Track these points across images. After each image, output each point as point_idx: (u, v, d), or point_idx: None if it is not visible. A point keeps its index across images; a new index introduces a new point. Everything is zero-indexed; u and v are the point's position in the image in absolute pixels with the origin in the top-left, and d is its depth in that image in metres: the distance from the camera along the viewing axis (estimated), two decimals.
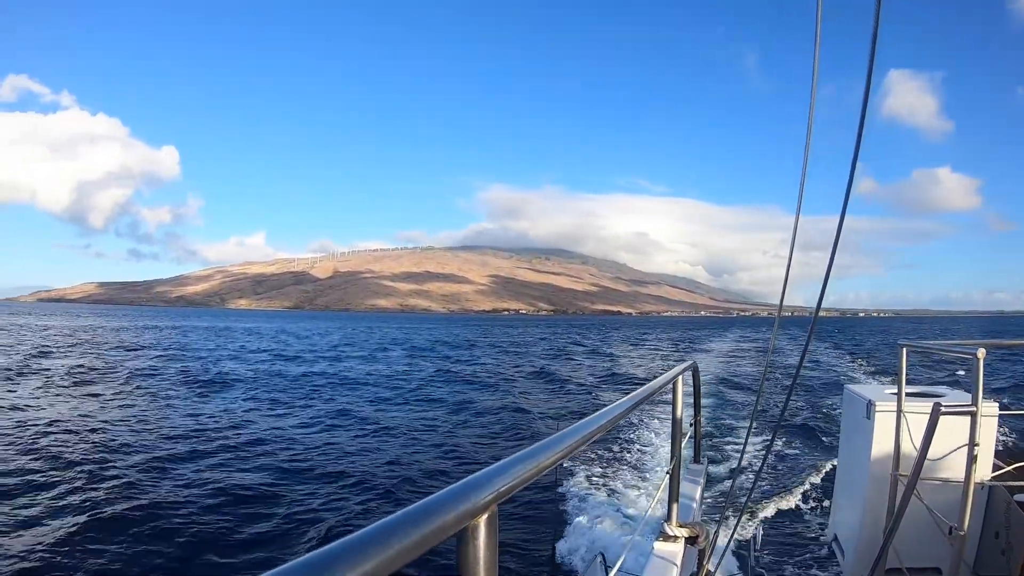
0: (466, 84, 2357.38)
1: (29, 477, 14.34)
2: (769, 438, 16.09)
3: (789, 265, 4.03)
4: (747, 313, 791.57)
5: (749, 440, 13.63)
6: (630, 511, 11.91)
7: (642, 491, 13.10)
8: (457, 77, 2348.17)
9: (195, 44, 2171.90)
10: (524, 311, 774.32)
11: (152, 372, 35.24)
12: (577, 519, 11.59)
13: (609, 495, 12.81)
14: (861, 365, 39.69)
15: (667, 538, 4.72)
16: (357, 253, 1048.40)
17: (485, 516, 1.47)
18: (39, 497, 13.11)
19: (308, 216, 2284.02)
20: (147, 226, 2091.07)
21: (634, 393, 3.26)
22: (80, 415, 22.01)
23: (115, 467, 15.07)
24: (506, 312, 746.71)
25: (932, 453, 5.17)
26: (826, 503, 11.81)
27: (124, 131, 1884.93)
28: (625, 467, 14.93)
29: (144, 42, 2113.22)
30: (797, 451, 16.59)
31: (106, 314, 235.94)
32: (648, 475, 14.25)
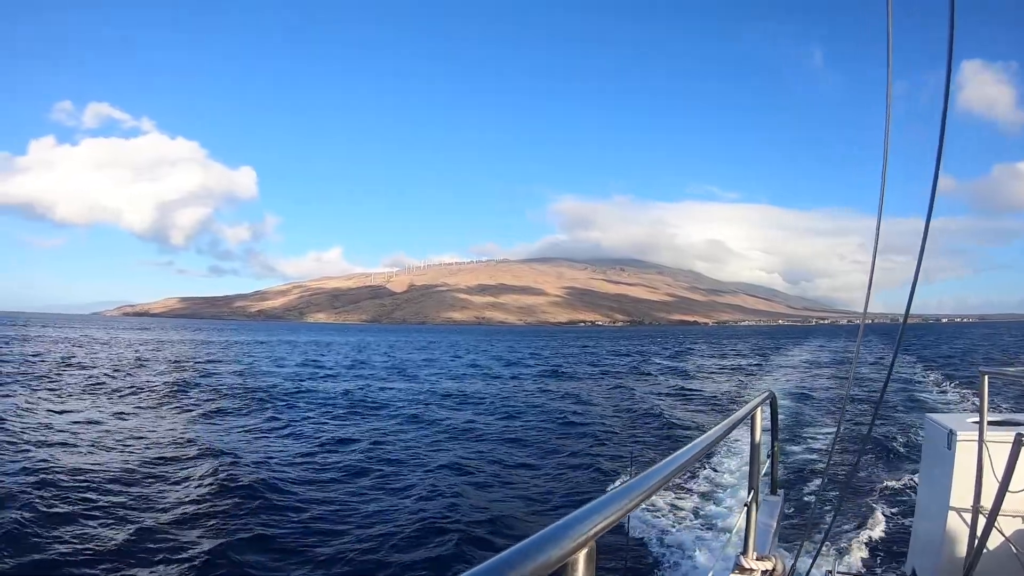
0: (533, 96, 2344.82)
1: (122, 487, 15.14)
2: (849, 466, 15.64)
3: (872, 270, 3.97)
4: (826, 321, 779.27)
5: (829, 465, 12.92)
6: (705, 543, 11.75)
7: (717, 522, 12.87)
8: (524, 90, 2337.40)
9: (268, 68, 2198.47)
10: (600, 322, 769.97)
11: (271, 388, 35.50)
12: (652, 552, 11.53)
13: (684, 527, 12.64)
14: (944, 386, 35.99)
15: (743, 571, 4.55)
16: (432, 266, 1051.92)
17: (584, 552, 1.51)
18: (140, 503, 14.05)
19: (383, 231, 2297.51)
20: (227, 243, 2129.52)
21: (718, 427, 3.27)
22: (205, 428, 22.96)
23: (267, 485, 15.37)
24: (582, 324, 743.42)
25: (1014, 485, 5.18)
26: (905, 534, 11.02)
27: (203, 153, 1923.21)
28: (698, 497, 14.56)
29: (219, 68, 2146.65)
30: (875, 477, 15.73)
31: (196, 328, 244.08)
32: (722, 506, 13.86)
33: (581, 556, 1.51)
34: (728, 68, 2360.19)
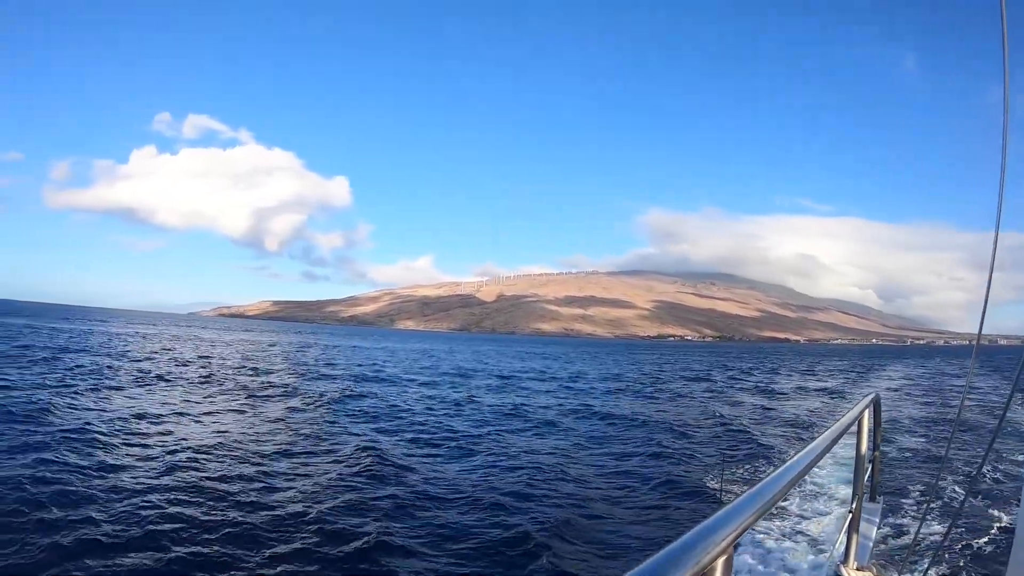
0: (621, 108, 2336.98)
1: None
2: (967, 479, 15.33)
3: (989, 287, 3.63)
4: (921, 341, 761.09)
5: (938, 478, 13.37)
6: (801, 551, 11.44)
7: (810, 529, 12.56)
8: (612, 102, 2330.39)
9: (362, 80, 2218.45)
10: (689, 337, 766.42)
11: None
12: (749, 559, 11.04)
13: (779, 533, 12.32)
14: None
15: None
16: (522, 277, 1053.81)
17: (723, 560, 1.50)
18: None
19: (473, 241, 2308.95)
20: (320, 250, 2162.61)
21: (830, 430, 3.19)
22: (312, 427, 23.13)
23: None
24: (671, 338, 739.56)
25: None
26: (1005, 557, 9.71)
27: (298, 163, 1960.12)
28: (796, 502, 14.05)
29: (314, 81, 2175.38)
30: (982, 495, 14.65)
31: (297, 330, 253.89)
32: (816, 512, 13.50)
33: (719, 564, 1.50)
34: (820, 77, 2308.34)
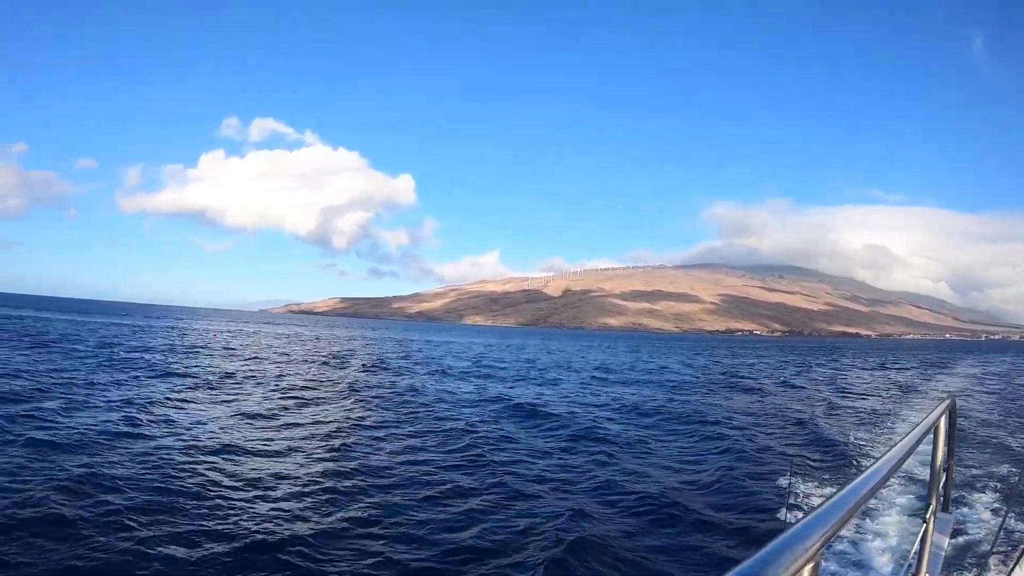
0: (686, 99, 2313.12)
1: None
2: None
3: None
4: (996, 336, 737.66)
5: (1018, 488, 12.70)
6: (870, 561, 11.05)
7: (878, 540, 11.90)
8: (677, 93, 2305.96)
9: (425, 80, 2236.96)
10: (757, 331, 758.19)
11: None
12: (825, 566, 10.43)
13: (851, 541, 11.83)
14: None
15: None
16: (588, 272, 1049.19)
17: (811, 566, 1.46)
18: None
19: (538, 236, 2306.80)
20: (386, 247, 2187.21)
21: (908, 436, 3.19)
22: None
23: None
24: (739, 333, 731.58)
25: None
26: None
27: (363, 163, 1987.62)
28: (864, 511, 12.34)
29: (377, 81, 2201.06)
30: None
31: (374, 326, 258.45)
32: (890, 520, 12.84)
33: (807, 571, 1.46)
34: (888, 62, 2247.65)
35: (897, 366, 73.52)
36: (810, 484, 16.05)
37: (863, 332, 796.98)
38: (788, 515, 12.99)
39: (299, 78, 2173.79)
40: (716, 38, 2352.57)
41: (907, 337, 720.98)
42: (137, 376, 32.73)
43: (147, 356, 44.12)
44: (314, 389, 32.59)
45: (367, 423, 22.96)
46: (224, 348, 58.77)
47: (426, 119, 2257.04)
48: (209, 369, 39.26)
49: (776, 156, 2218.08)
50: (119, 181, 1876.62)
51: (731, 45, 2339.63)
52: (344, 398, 29.73)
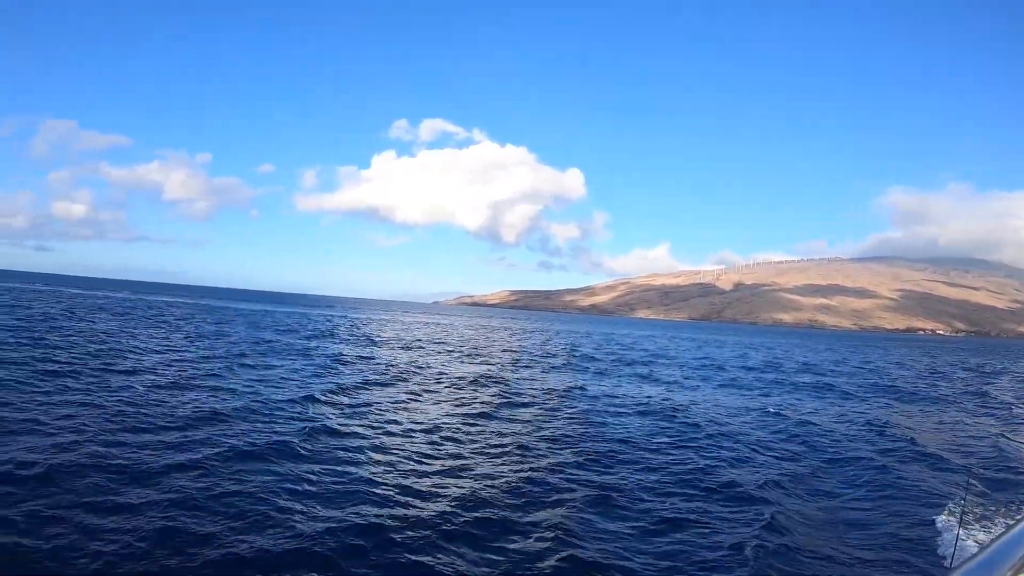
0: (850, 82, 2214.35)
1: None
2: None
3: None
4: None
5: None
6: None
7: None
8: (839, 75, 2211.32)
9: (590, 72, 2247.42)
10: (940, 331, 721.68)
11: None
12: None
13: None
14: None
15: None
16: (760, 265, 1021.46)
17: None
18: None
19: (708, 228, 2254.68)
20: (555, 240, 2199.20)
21: None
22: None
23: None
24: (920, 332, 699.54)
25: None
26: None
27: (531, 158, 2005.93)
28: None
29: (542, 77, 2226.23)
30: None
31: (562, 321, 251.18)
32: None
33: None
34: None
35: None
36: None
37: None
38: None
39: (466, 79, 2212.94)
40: (888, 18, 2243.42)
41: None
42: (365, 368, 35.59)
43: (376, 349, 49.46)
44: (524, 384, 32.90)
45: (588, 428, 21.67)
46: (433, 341, 63.76)
47: (593, 113, 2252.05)
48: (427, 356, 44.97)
49: (954, 135, 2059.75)
50: (296, 183, 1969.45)
51: (902, 14, 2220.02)
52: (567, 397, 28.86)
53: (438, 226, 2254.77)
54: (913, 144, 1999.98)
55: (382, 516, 11.80)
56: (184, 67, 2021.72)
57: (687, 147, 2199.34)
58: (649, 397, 29.97)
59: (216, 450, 15.13)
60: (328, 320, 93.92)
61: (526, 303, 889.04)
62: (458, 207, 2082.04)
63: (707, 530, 12.32)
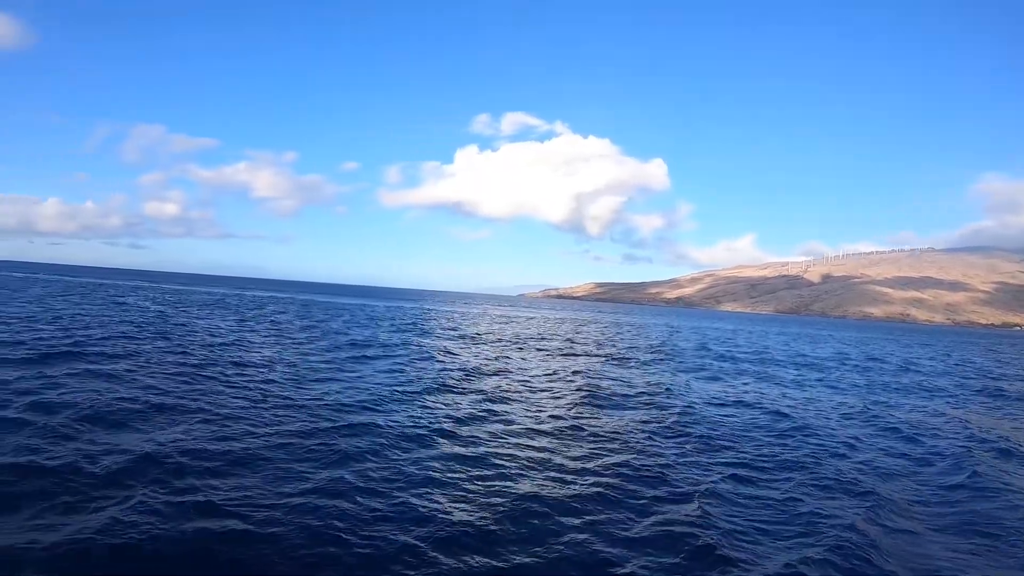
0: (942, 68, 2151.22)
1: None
2: None
3: None
4: None
5: None
6: None
7: None
8: (932, 57, 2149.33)
9: (669, 62, 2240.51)
10: None
11: None
12: None
13: None
14: None
15: None
16: (849, 256, 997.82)
17: None
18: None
19: (796, 218, 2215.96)
20: (640, 232, 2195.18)
21: None
22: None
23: None
24: (1017, 327, 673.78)
25: None
26: None
27: (615, 150, 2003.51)
28: None
29: (621, 69, 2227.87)
30: None
31: (655, 314, 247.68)
32: None
33: None
34: None
35: None
36: None
37: None
38: None
39: (546, 71, 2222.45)
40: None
41: None
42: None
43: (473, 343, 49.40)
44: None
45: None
46: (528, 335, 63.03)
47: (676, 102, 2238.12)
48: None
49: None
50: (381, 179, 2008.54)
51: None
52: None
53: (521, 219, 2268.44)
54: (1008, 128, 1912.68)
55: (538, 497, 12.53)
56: (268, 70, 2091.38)
57: (772, 135, 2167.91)
58: (755, 394, 29.71)
59: (361, 437, 16.15)
60: (424, 313, 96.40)
61: (612, 295, 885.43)
62: (541, 200, 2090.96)
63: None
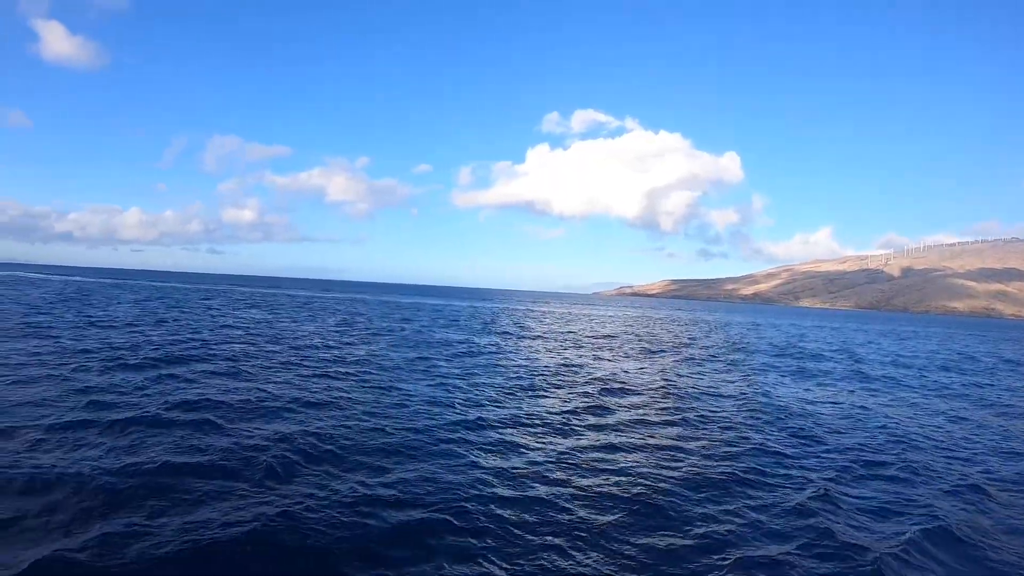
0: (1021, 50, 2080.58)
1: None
2: None
3: None
4: None
5: None
6: None
7: None
8: (1012, 40, 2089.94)
9: (739, 54, 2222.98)
10: None
11: None
12: None
13: None
14: None
15: None
16: (930, 248, 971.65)
17: None
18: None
19: (874, 209, 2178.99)
20: (714, 227, 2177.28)
21: None
22: None
23: None
24: None
25: None
26: None
27: (686, 143, 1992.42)
28: None
29: (689, 63, 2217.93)
30: None
31: (738, 311, 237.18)
32: None
33: None
34: None
35: None
36: None
37: None
38: None
39: (615, 67, 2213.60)
40: None
41: None
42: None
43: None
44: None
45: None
46: (606, 334, 62.59)
47: (748, 94, 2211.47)
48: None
49: None
50: (453, 181, 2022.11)
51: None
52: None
53: (594, 217, 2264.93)
54: None
55: (670, 480, 13.48)
56: (338, 77, 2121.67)
57: (848, 125, 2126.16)
58: (851, 394, 29.44)
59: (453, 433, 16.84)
60: (508, 313, 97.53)
61: (687, 293, 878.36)
62: (613, 197, 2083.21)
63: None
